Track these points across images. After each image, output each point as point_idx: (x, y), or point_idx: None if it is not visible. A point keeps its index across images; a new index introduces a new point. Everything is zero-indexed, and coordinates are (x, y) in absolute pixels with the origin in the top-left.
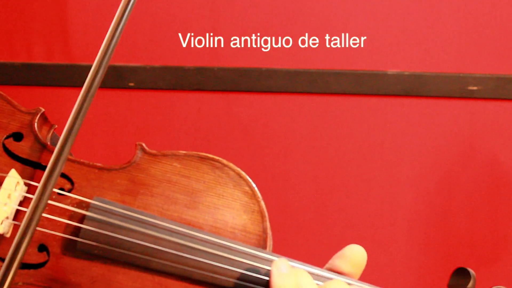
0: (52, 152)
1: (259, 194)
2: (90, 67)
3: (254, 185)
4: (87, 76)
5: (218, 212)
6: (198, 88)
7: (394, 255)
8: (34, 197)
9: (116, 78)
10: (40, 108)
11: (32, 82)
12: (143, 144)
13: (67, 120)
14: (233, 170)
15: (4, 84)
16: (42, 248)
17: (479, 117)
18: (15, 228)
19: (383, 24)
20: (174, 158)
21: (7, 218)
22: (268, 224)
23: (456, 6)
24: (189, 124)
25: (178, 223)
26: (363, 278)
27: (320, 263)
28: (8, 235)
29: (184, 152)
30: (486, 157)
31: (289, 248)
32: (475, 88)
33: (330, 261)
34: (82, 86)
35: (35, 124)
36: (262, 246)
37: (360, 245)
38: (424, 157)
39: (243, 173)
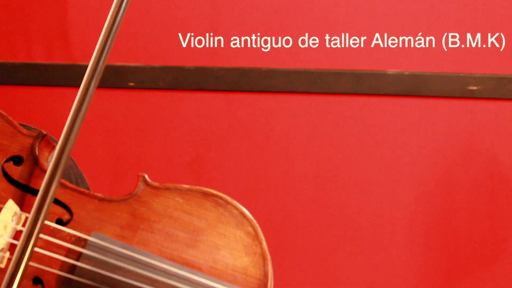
0: None
1: (262, 236)
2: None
3: (257, 226)
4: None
5: (219, 253)
6: (198, 88)
7: (394, 255)
8: (24, 229)
9: (116, 78)
10: (42, 131)
11: (32, 82)
12: (146, 176)
13: (66, 120)
14: (237, 209)
15: (4, 84)
16: (37, 281)
17: (479, 117)
18: (10, 260)
19: (383, 24)
20: (176, 193)
21: (2, 249)
22: (269, 268)
23: (456, 6)
24: (189, 124)
25: (177, 264)
26: (363, 277)
27: (320, 263)
28: (2, 266)
29: (187, 186)
30: (486, 157)
31: (289, 248)
32: (475, 88)
33: None
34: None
35: (36, 148)
36: None
37: (360, 245)
38: (424, 157)
39: (247, 212)
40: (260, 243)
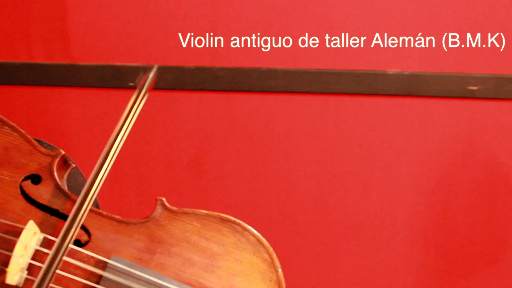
0: (70, 198)
1: (277, 263)
2: (90, 67)
3: (273, 253)
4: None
5: (236, 279)
6: (198, 88)
7: (394, 255)
8: (50, 253)
9: (116, 78)
10: (60, 150)
11: (32, 82)
12: (164, 200)
13: (66, 120)
14: (254, 236)
15: (4, 84)
16: None
17: (479, 117)
18: (28, 280)
19: (383, 24)
20: (194, 218)
21: (21, 269)
22: None
23: (456, 6)
24: (189, 124)
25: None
26: (363, 277)
27: (320, 263)
28: (20, 286)
29: (205, 212)
30: (486, 157)
31: (289, 248)
32: (475, 88)
33: None
34: (82, 86)
35: (54, 167)
36: None
37: (360, 245)
38: (424, 157)
39: (263, 240)
40: (276, 270)
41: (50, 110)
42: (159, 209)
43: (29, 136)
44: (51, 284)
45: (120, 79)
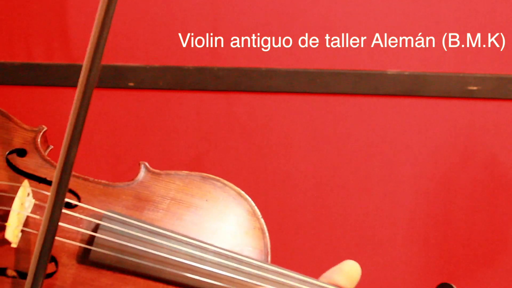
0: (55, 167)
1: (258, 212)
2: None
3: (253, 204)
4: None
5: (222, 228)
6: (198, 88)
7: (394, 255)
8: (48, 202)
9: (116, 78)
10: (43, 126)
11: (32, 82)
12: (146, 163)
13: (66, 120)
14: (234, 189)
15: (4, 84)
16: (51, 258)
17: (479, 117)
18: (23, 236)
19: (383, 24)
20: (177, 177)
21: (18, 226)
22: (268, 240)
23: (456, 6)
24: (189, 124)
25: (189, 236)
26: (363, 277)
27: (320, 263)
28: (16, 245)
29: (186, 172)
30: (486, 157)
31: (289, 248)
32: (475, 88)
33: (327, 274)
34: None
35: (38, 141)
36: (265, 260)
37: (360, 245)
38: (424, 157)
39: (243, 192)
40: (258, 219)
41: (50, 110)
42: (142, 171)
43: (11, 115)
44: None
45: (120, 79)
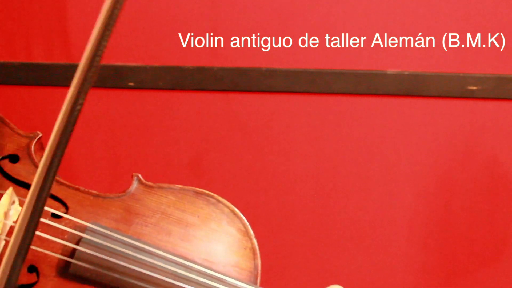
0: None
1: (251, 232)
2: None
3: (247, 223)
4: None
5: (212, 247)
6: (198, 88)
7: (394, 255)
8: (24, 205)
9: (116, 78)
10: (38, 132)
11: (32, 82)
12: (140, 176)
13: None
14: (228, 207)
15: (4, 84)
16: (32, 269)
17: (479, 117)
18: (7, 245)
19: (383, 24)
20: (169, 191)
21: (0, 234)
22: (259, 261)
23: (456, 6)
24: (189, 124)
25: (173, 253)
26: (363, 277)
27: (319, 263)
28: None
29: (180, 186)
30: (486, 157)
31: (288, 248)
32: (475, 88)
33: None
34: None
35: (32, 147)
36: (253, 282)
37: (360, 245)
38: (424, 157)
39: (237, 210)
40: (250, 239)
41: (50, 110)
42: (135, 184)
43: (7, 120)
44: (33, 246)
45: (120, 79)
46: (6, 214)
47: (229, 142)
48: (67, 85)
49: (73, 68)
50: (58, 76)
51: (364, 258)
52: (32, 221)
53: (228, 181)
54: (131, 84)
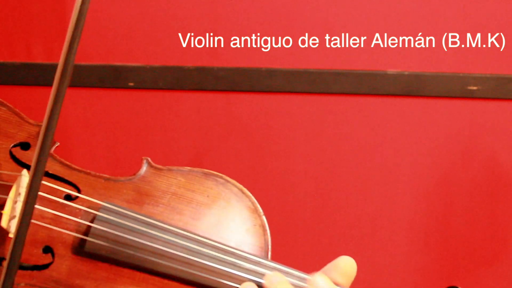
0: (58, 161)
1: (260, 209)
2: (90, 67)
3: (255, 201)
4: (89, 76)
5: (223, 224)
6: (198, 88)
7: (394, 255)
8: (29, 174)
9: (116, 78)
10: None
11: (32, 82)
12: (149, 159)
13: (66, 120)
14: (236, 186)
15: (4, 84)
16: (47, 249)
17: (479, 117)
18: None
19: (383, 24)
20: (179, 173)
21: (15, 216)
22: (269, 237)
23: (456, 6)
24: (189, 124)
25: (187, 230)
26: (363, 277)
27: (320, 263)
28: (13, 234)
29: (188, 168)
30: (486, 157)
31: (289, 248)
32: (475, 88)
33: (324, 270)
34: (82, 86)
35: None
36: (265, 256)
37: (360, 245)
38: (424, 157)
39: (245, 189)
40: (260, 216)
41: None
42: (144, 166)
43: (17, 110)
44: (48, 225)
45: (120, 79)
46: (20, 195)
47: (229, 142)
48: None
49: (73, 68)
50: None
51: (364, 258)
52: (31, 197)
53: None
54: (131, 84)
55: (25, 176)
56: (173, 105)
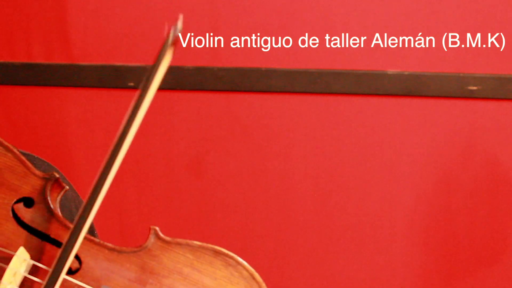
0: (62, 223)
1: None
2: (90, 67)
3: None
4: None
5: None
6: (198, 88)
7: (394, 255)
8: (43, 283)
9: (116, 78)
10: (54, 173)
11: (32, 82)
12: (157, 229)
13: (66, 120)
14: (247, 270)
15: (4, 84)
16: None
17: (479, 117)
18: None
19: (383, 24)
20: (187, 249)
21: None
22: None
23: (456, 6)
24: (189, 124)
25: None
26: (363, 277)
27: (320, 263)
28: None
29: (198, 243)
30: (486, 157)
31: (289, 248)
32: (475, 88)
33: None
34: (82, 86)
35: (48, 191)
36: None
37: (360, 245)
38: (424, 157)
39: (257, 274)
40: None
41: (50, 110)
42: (152, 238)
43: (22, 157)
44: None
45: (120, 79)
46: (15, 275)
47: (229, 142)
48: (67, 85)
49: (73, 68)
50: (58, 76)
51: (364, 258)
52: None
53: (228, 181)
54: (131, 84)
55: (19, 257)
56: (173, 105)
